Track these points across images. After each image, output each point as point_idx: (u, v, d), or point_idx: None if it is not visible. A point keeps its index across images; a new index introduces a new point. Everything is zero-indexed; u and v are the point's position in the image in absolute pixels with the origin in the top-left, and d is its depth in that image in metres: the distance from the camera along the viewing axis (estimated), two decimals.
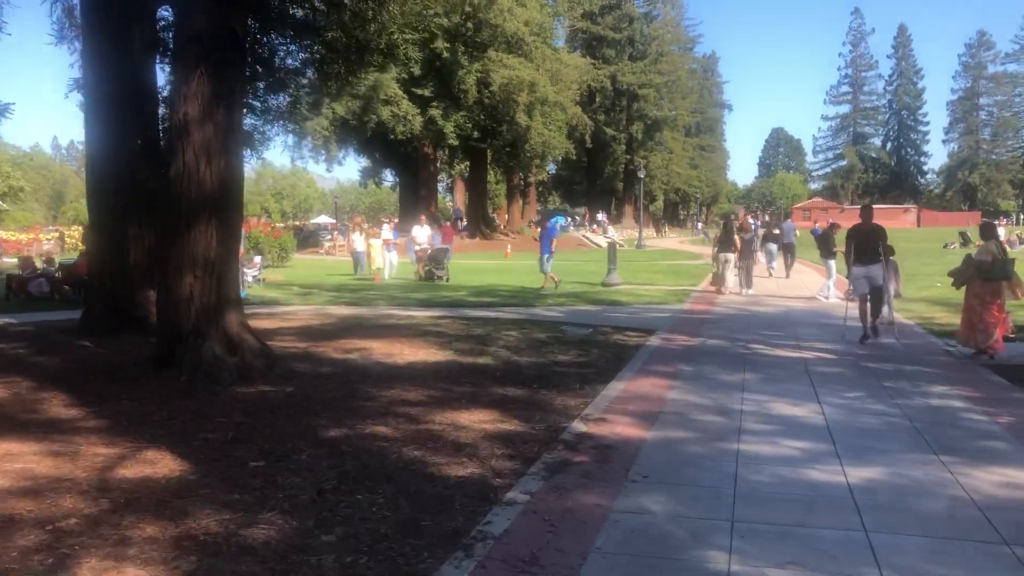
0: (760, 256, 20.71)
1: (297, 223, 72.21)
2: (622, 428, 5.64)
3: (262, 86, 10.53)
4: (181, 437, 5.34)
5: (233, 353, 7.28)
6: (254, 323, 11.56)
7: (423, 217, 24.84)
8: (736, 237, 16.91)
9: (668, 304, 14.21)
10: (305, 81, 10.36)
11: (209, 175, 7.18)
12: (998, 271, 8.74)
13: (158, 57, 10.23)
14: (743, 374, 7.73)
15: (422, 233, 21.90)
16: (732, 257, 16.66)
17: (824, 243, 16.17)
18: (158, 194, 7.99)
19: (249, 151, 10.84)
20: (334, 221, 67.15)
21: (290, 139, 10.75)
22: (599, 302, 14.51)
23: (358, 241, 22.35)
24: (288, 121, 10.59)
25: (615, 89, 67.43)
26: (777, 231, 22.14)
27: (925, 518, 3.93)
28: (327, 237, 43.06)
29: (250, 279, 17.59)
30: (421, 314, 12.77)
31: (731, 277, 16.86)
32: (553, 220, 18.38)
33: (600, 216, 66.96)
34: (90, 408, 6.13)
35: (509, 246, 37.78)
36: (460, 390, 6.94)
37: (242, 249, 22.24)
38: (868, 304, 9.79)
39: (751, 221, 24.71)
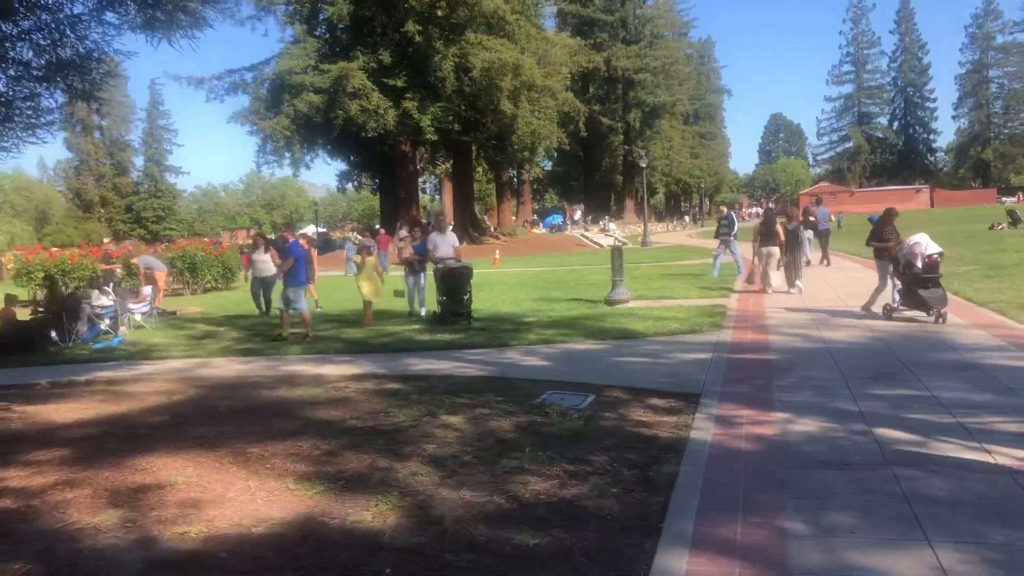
0: None
1: (276, 235, 68.01)
2: None
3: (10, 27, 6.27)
4: None
5: None
6: (54, 406, 7.21)
7: (442, 218, 15.58)
8: (779, 228, 13.77)
9: (702, 332, 9.90)
10: (90, 9, 6.12)
11: None
12: None
13: None
14: (931, 549, 3.43)
15: (444, 243, 13.24)
16: (776, 251, 13.70)
17: (879, 235, 10.74)
18: None
19: (11, 131, 6.60)
20: (319, 230, 62.85)
21: (77, 105, 6.38)
22: (603, 334, 10.16)
23: (260, 263, 14.39)
24: (75, 79, 6.37)
25: (610, 76, 63.22)
26: (812, 217, 19.51)
27: None
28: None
29: (139, 317, 13.35)
30: (335, 372, 8.50)
31: (775, 274, 13.85)
32: (295, 242, 11.98)
33: (577, 214, 63.09)
34: None
35: (497, 251, 33.50)
36: None
37: (159, 276, 17.98)
38: None
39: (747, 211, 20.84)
